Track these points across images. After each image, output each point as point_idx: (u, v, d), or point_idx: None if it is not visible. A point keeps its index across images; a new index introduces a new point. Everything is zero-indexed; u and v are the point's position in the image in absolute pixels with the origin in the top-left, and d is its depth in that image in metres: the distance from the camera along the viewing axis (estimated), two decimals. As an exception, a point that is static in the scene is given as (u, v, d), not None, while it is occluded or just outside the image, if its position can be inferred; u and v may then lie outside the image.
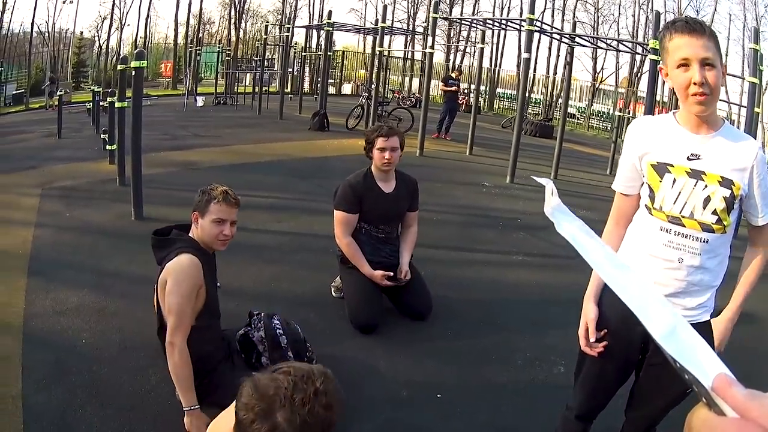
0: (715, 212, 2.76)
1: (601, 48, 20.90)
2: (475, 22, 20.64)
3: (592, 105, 42.34)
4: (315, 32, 43.14)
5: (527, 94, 43.67)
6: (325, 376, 2.28)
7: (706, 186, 2.76)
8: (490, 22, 19.81)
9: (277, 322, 4.51)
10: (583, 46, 19.49)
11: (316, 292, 6.38)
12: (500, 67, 49.62)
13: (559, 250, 8.25)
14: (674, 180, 2.81)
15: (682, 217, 2.81)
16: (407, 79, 43.11)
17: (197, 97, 30.73)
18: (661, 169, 2.85)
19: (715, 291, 2.95)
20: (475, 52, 19.73)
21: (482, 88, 43.73)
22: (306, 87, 37.88)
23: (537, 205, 10.87)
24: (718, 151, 2.75)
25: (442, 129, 20.12)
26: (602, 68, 47.63)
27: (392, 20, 45.50)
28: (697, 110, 2.69)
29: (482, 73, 21.49)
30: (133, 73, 9.18)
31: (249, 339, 4.47)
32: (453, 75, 21.50)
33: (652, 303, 0.74)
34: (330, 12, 22.28)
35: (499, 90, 46.38)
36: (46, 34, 49.37)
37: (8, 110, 36.39)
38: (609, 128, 33.21)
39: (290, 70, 34.04)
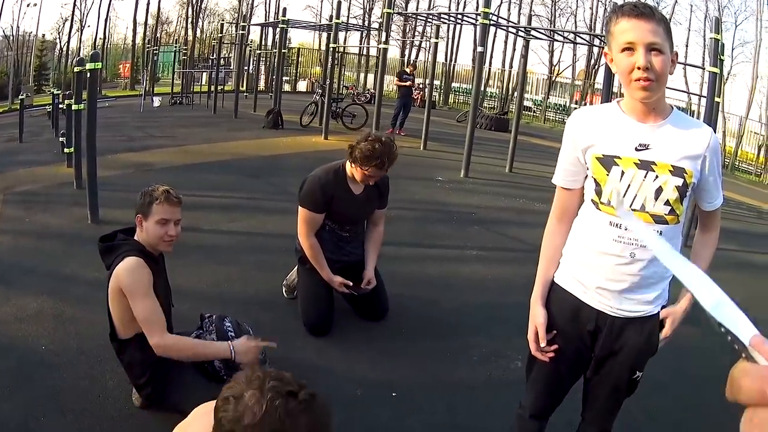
0: (667, 202, 2.69)
1: (558, 41, 20.94)
2: (429, 17, 20.67)
3: (548, 98, 42.66)
4: (271, 30, 43.06)
5: (482, 88, 44.43)
6: (311, 396, 2.19)
7: (657, 176, 2.66)
8: (445, 16, 19.91)
9: (229, 324, 4.45)
10: (539, 39, 19.60)
11: (269, 293, 6.36)
12: (456, 61, 49.92)
13: (514, 243, 8.41)
14: (622, 173, 2.70)
15: (633, 210, 2.71)
16: (362, 75, 43.12)
17: (154, 98, 30.48)
18: (607, 162, 2.73)
19: (669, 281, 2.89)
20: (429, 47, 19.63)
21: (437, 82, 44.16)
22: (262, 85, 37.82)
23: (491, 199, 11.08)
24: (667, 140, 2.67)
25: (396, 124, 20.13)
26: (559, 61, 47.99)
27: (347, 16, 45.75)
28: (641, 96, 2.58)
29: (436, 68, 21.52)
30: (88, 75, 9.08)
31: (201, 343, 4.43)
32: (407, 70, 21.38)
33: (700, 281, 0.87)
34: (285, 9, 22.29)
35: (454, 84, 46.62)
36: (11, 38, 48.78)
37: None
38: (565, 121, 33.41)
39: (246, 68, 33.95)
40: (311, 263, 5.69)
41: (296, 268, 6.11)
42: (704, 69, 12.97)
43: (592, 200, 2.84)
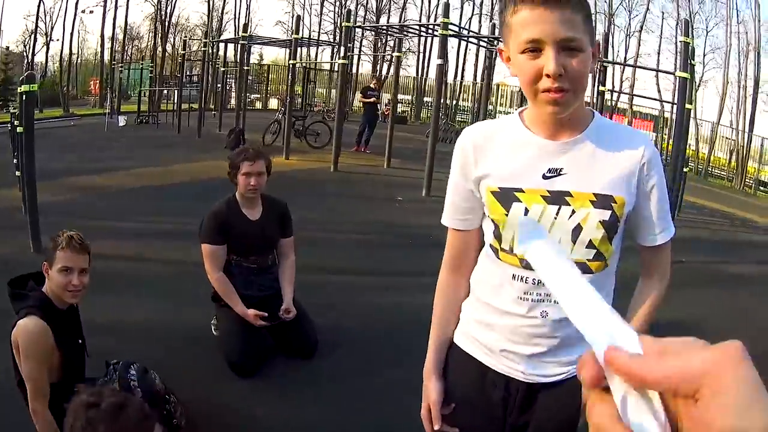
0: (590, 244, 2.06)
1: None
2: (388, 29, 20.39)
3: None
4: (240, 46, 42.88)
5: (455, 102, 44.36)
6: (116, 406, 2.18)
7: (573, 211, 2.04)
8: (408, 29, 19.68)
9: (134, 372, 4.17)
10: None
11: (198, 328, 6.04)
12: (426, 75, 49.55)
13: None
14: (526, 210, 2.06)
15: None
16: (333, 91, 42.94)
17: (119, 117, 30.35)
18: (505, 196, 2.09)
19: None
20: (391, 59, 19.37)
21: (407, 97, 44.06)
22: (233, 102, 37.54)
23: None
24: (586, 160, 2.05)
25: (361, 142, 19.87)
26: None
27: (318, 32, 45.66)
28: (551, 111, 1.94)
29: (407, 83, 21.33)
30: (24, 97, 8.81)
31: (105, 391, 4.17)
32: (372, 85, 21.12)
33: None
34: (245, 25, 22.05)
35: (427, 99, 46.22)
36: None
37: None
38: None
39: (218, 85, 33.67)
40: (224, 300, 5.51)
41: None
42: (675, 74, 12.66)
43: (491, 245, 2.23)
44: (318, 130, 20.54)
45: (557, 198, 2.04)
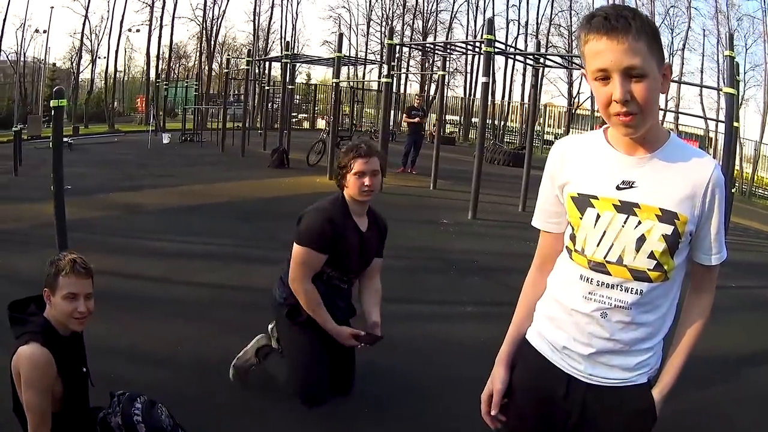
0: (652, 255, 2.16)
1: (572, 68, 20.10)
2: (431, 47, 19.93)
3: (569, 131, 41.92)
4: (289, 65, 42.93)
5: (502, 122, 43.95)
6: None
7: (639, 222, 2.16)
8: (452, 47, 19.25)
9: (139, 406, 3.84)
10: (552, 66, 18.84)
11: (226, 359, 5.49)
12: (473, 95, 48.85)
13: (513, 295, 7.54)
14: (597, 216, 2.21)
15: (607, 263, 2.21)
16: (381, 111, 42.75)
17: (163, 134, 30.40)
18: (582, 202, 2.26)
19: (659, 346, 2.34)
20: (439, 80, 18.92)
21: (455, 118, 43.68)
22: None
23: (498, 243, 10.18)
24: (657, 177, 2.16)
25: (408, 163, 19.40)
26: (578, 92, 47.33)
27: (366, 52, 45.50)
28: (624, 133, 2.13)
29: (455, 103, 20.94)
30: (53, 112, 8.45)
31: (107, 424, 3.86)
32: (415, 104, 20.63)
33: None
34: (287, 43, 21.83)
35: (474, 120, 45.70)
36: (16, 65, 48.76)
37: None
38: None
39: (269, 104, 33.56)
40: (306, 316, 4.76)
41: (254, 342, 5.23)
42: (720, 90, 12.13)
43: (567, 247, 2.40)
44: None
45: (626, 208, 2.18)
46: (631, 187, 2.17)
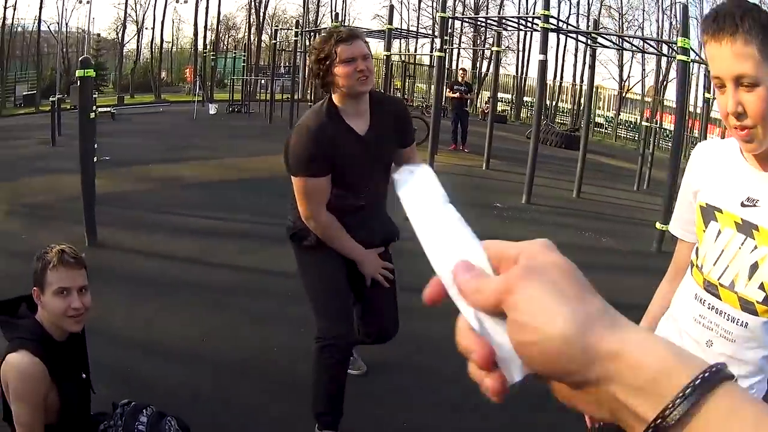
0: (762, 287, 1.88)
1: (625, 49, 19.17)
2: (488, 22, 19.11)
3: (619, 114, 40.97)
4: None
5: (553, 103, 43.01)
6: None
7: (755, 247, 1.90)
8: (506, 22, 18.52)
9: (144, 420, 3.43)
10: (605, 46, 18.02)
11: (257, 355, 5.15)
12: (527, 74, 47.99)
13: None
14: (719, 232, 2.00)
15: (720, 285, 1.96)
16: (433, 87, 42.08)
17: (210, 105, 30.20)
18: (707, 213, 2.05)
19: (761, 388, 2.00)
20: (491, 56, 18.15)
21: (507, 96, 42.83)
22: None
23: (552, 231, 9.42)
24: None
25: (458, 140, 18.68)
26: (629, 76, 46.34)
27: (417, 27, 44.72)
28: (744, 148, 1.90)
29: (507, 81, 20.29)
30: (78, 83, 8.46)
31: (107, 439, 3.46)
32: (459, 79, 19.84)
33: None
34: (337, 15, 21.23)
35: (526, 99, 44.78)
36: (58, 35, 48.89)
37: (17, 112, 36.06)
38: (636, 139, 31.51)
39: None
40: (314, 238, 3.90)
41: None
42: None
43: (691, 260, 2.17)
44: (415, 126, 19.28)
45: (746, 228, 1.94)
46: (755, 205, 1.93)
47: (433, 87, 18.07)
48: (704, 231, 2.05)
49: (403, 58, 36.42)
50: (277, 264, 7.02)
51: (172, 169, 13.53)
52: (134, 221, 9.29)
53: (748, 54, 1.73)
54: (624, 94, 43.65)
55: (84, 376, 3.33)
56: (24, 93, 40.68)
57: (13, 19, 45.36)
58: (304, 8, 52.87)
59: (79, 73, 8.18)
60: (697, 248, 2.12)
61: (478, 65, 48.36)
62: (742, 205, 1.95)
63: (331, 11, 52.30)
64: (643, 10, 46.92)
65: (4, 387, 3.03)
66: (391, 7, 17.50)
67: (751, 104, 1.76)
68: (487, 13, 48.09)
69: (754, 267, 1.90)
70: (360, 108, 3.84)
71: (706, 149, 2.18)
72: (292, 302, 5.58)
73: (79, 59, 8.59)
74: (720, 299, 1.97)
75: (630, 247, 9.55)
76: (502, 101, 42.04)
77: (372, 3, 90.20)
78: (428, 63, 40.15)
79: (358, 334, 4.21)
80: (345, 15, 49.40)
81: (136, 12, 52.10)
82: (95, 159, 12.02)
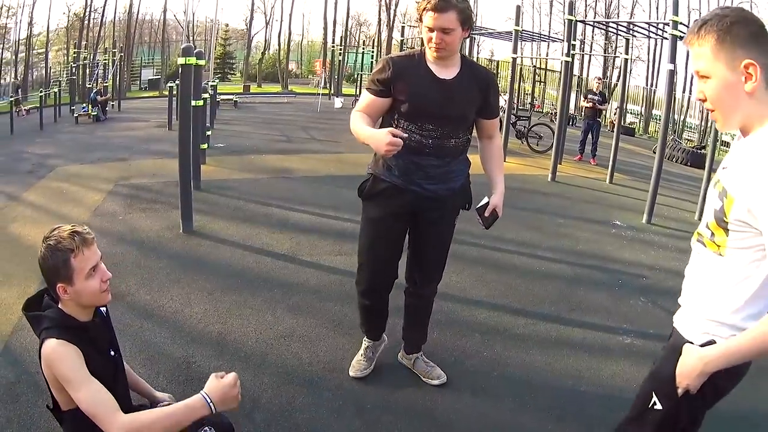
0: (707, 226, 2.39)
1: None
2: (616, 26, 18.20)
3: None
4: (467, 39, 42.02)
5: (681, 117, 41.40)
6: None
7: (712, 195, 2.37)
8: (627, 26, 17.70)
9: None
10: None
11: (329, 366, 4.80)
12: (656, 85, 46.13)
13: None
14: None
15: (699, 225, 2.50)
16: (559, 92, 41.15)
17: (336, 99, 30.27)
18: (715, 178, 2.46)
19: (716, 325, 2.37)
20: (622, 64, 17.36)
21: (636, 107, 41.51)
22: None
23: (672, 257, 8.66)
24: (738, 159, 2.28)
25: (585, 150, 17.68)
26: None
27: (549, 32, 43.84)
28: (716, 126, 2.57)
29: (637, 92, 19.49)
30: (180, 70, 8.50)
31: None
32: (594, 89, 18.90)
33: None
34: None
35: (655, 112, 43.19)
36: (184, 22, 50.30)
37: (141, 95, 37.19)
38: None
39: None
40: (374, 189, 4.28)
41: None
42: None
43: None
44: (541, 132, 18.93)
45: (714, 182, 2.38)
46: (725, 168, 2.34)
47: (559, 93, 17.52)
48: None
49: (533, 62, 35.78)
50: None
51: (284, 160, 13.47)
52: (233, 211, 9.16)
53: (702, 54, 2.23)
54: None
55: (113, 353, 3.15)
56: (149, 78, 42.01)
57: (139, 6, 47.07)
58: (434, 6, 53.12)
59: (180, 60, 8.16)
60: None
61: (608, 74, 47.16)
62: (723, 168, 2.36)
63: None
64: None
65: (51, 380, 2.86)
66: (518, 8, 16.83)
67: (707, 93, 2.27)
68: (618, 16, 46.99)
69: (708, 210, 2.37)
70: (447, 63, 4.01)
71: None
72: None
73: (182, 47, 8.47)
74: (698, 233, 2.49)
75: None
76: (631, 113, 40.85)
77: (503, 6, 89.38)
78: (559, 69, 39.42)
79: (406, 282, 4.63)
80: (475, 14, 48.97)
81: (264, 3, 53.14)
82: (206, 146, 12.10)
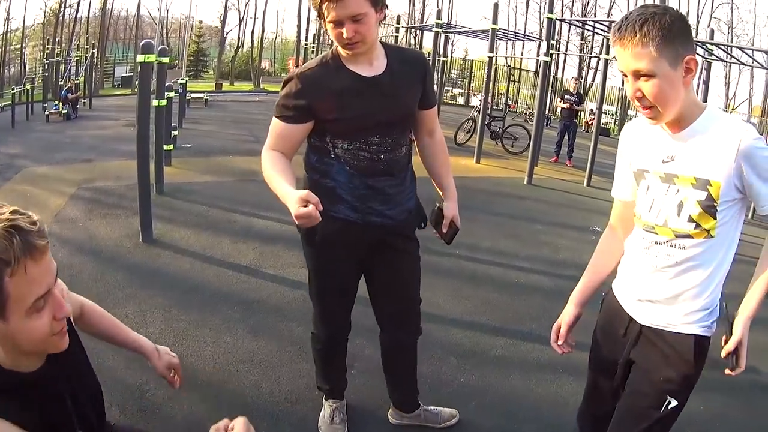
0: (690, 219, 2.43)
1: (743, 63, 17.65)
2: (594, 25, 17.90)
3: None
4: (440, 37, 41.98)
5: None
6: None
7: (678, 190, 2.44)
8: (609, 25, 17.46)
9: None
10: (722, 60, 16.85)
11: (291, 396, 4.47)
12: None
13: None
14: (648, 187, 2.56)
15: (656, 225, 2.52)
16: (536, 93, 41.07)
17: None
18: (639, 175, 2.61)
19: (710, 302, 2.50)
20: (597, 65, 17.10)
21: (611, 108, 41.50)
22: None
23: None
24: (693, 149, 2.39)
25: (561, 152, 17.55)
26: (734, 94, 45.01)
27: (524, 32, 43.74)
28: (650, 122, 2.42)
29: (612, 92, 19.26)
30: (138, 69, 8.26)
31: None
32: (570, 89, 18.65)
33: None
34: (439, 11, 20.44)
35: (630, 112, 43.20)
36: (158, 19, 50.26)
37: (114, 92, 36.87)
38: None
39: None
40: (311, 230, 3.21)
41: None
42: None
43: (634, 212, 2.69)
44: (516, 133, 18.50)
45: (669, 179, 2.48)
46: (672, 160, 2.44)
47: (537, 93, 17.12)
48: (638, 189, 2.61)
49: (507, 62, 35.61)
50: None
51: (252, 162, 12.81)
52: (196, 218, 8.80)
53: (645, 53, 2.22)
54: (730, 112, 42.20)
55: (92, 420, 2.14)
56: (122, 75, 41.84)
57: (113, 2, 47.02)
58: (410, 5, 52.85)
59: (140, 58, 7.81)
60: (636, 203, 2.63)
61: (583, 74, 47.21)
62: (663, 162, 2.47)
63: (438, 10, 52.32)
64: (754, 24, 46.25)
65: None
66: (495, 5, 16.42)
67: (648, 90, 2.26)
68: (595, 14, 47.10)
69: (680, 206, 2.43)
70: (368, 57, 3.28)
71: (632, 127, 2.70)
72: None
73: (142, 43, 8.06)
74: (657, 234, 2.51)
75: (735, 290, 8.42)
76: (606, 113, 40.78)
77: (479, 6, 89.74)
78: (534, 69, 39.23)
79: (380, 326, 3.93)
80: (451, 14, 48.94)
81: (238, 1, 53.09)
82: (171, 147, 11.70)
